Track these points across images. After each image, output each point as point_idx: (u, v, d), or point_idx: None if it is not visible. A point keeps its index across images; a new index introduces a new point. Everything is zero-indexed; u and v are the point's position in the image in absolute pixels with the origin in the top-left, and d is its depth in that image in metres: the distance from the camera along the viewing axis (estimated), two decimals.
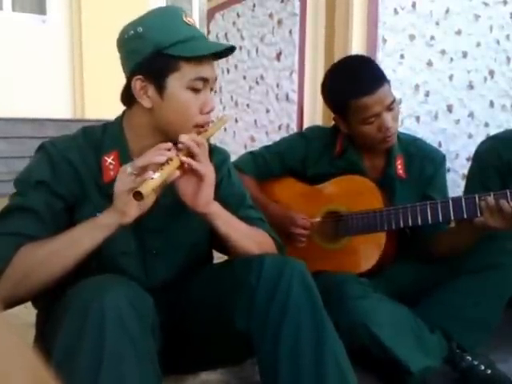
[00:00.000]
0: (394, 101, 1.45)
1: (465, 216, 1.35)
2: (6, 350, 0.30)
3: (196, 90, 1.07)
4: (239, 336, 1.03)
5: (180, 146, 1.03)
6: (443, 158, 1.62)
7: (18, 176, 1.11)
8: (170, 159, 0.99)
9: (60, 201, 1.08)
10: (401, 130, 1.58)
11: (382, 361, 1.32)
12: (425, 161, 1.56)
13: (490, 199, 1.30)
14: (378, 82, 1.43)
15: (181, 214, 1.12)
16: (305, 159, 1.63)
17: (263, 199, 1.57)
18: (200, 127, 1.10)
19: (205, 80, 1.07)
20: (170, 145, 1.02)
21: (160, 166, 0.97)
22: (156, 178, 0.93)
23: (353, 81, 1.46)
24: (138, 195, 0.91)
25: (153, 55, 1.04)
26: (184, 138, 1.02)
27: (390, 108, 1.44)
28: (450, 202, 1.37)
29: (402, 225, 1.43)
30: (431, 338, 1.37)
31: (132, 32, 1.05)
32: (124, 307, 0.87)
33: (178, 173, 1.01)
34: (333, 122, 1.64)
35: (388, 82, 1.47)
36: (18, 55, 5.12)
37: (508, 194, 1.30)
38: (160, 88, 1.05)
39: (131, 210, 0.97)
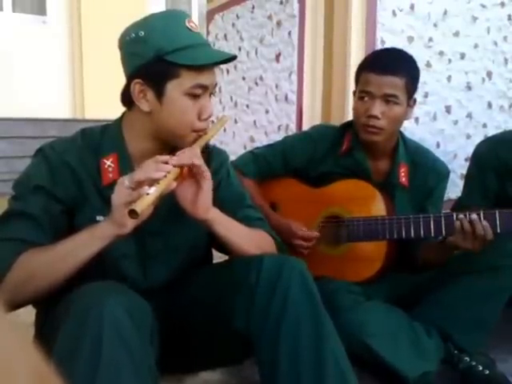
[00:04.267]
0: (393, 96, 1.43)
1: (443, 233, 1.38)
2: (9, 347, 0.31)
3: (195, 96, 1.06)
4: (239, 336, 1.04)
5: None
6: (448, 172, 1.60)
7: (16, 179, 1.11)
8: (168, 172, 0.99)
9: (59, 204, 1.09)
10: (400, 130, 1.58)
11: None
12: (430, 172, 1.55)
13: (465, 221, 1.32)
14: (392, 70, 1.42)
15: (180, 217, 1.12)
16: (310, 160, 1.61)
17: (263, 207, 1.54)
18: (198, 132, 1.10)
19: (204, 87, 1.07)
20: (167, 157, 1.01)
21: (157, 179, 0.97)
22: (151, 194, 0.93)
23: (375, 57, 1.52)
24: (132, 213, 0.91)
25: (153, 60, 1.03)
26: (175, 161, 1.01)
27: (385, 99, 1.43)
28: (442, 218, 1.38)
29: (404, 235, 1.42)
30: (428, 342, 1.37)
31: (133, 35, 1.05)
32: (122, 318, 0.86)
33: (174, 184, 1.01)
34: (332, 122, 1.64)
35: (403, 78, 1.43)
36: (19, 55, 5.11)
37: (497, 214, 1.31)
38: (159, 93, 1.05)
39: (128, 222, 0.97)
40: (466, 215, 1.33)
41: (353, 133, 1.56)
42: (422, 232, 1.39)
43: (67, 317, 0.88)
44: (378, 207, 1.50)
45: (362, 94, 1.46)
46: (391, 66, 1.43)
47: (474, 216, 1.32)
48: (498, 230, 1.31)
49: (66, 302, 0.92)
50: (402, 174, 1.54)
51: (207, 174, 1.06)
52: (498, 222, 1.31)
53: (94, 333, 0.84)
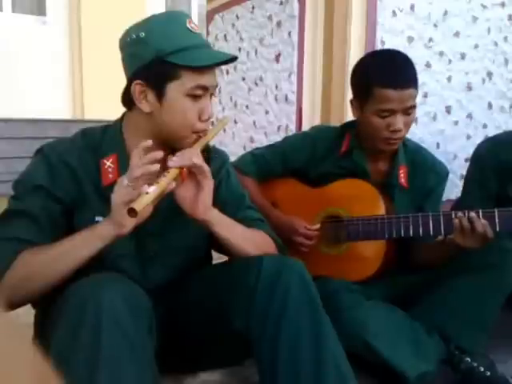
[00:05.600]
0: (413, 107, 1.42)
1: (442, 232, 1.37)
2: (9, 348, 0.31)
3: (195, 97, 1.06)
4: (238, 336, 1.04)
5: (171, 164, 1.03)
6: (447, 173, 1.60)
7: (16, 179, 1.11)
8: (167, 171, 0.99)
9: (58, 205, 1.09)
10: None
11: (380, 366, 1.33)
12: (429, 173, 1.55)
13: (464, 219, 1.31)
14: (408, 82, 1.40)
15: (179, 217, 1.12)
16: (309, 160, 1.61)
17: (264, 204, 1.54)
18: (198, 133, 1.10)
19: (205, 88, 1.07)
20: (161, 153, 0.99)
21: (156, 177, 0.97)
22: (151, 193, 0.93)
23: (388, 69, 1.43)
24: (132, 212, 0.91)
25: (153, 62, 1.03)
26: (175, 163, 1.02)
27: (407, 112, 1.42)
28: (439, 216, 1.38)
29: (403, 234, 1.42)
30: (428, 342, 1.37)
31: (134, 36, 1.05)
32: (121, 307, 0.87)
33: (173, 184, 1.01)
34: (332, 123, 1.63)
35: (416, 87, 1.43)
36: (18, 56, 5.12)
37: (496, 213, 1.31)
38: (159, 94, 1.05)
39: (128, 222, 0.97)
40: (464, 213, 1.33)
41: (352, 134, 1.56)
42: (420, 231, 1.39)
43: (65, 309, 0.88)
44: (378, 207, 1.50)
45: (382, 112, 1.42)
46: (407, 79, 1.41)
47: (473, 214, 1.32)
48: (498, 229, 1.31)
49: (63, 296, 0.92)
50: (402, 175, 1.54)
51: (208, 173, 1.06)
52: (497, 221, 1.31)
53: (92, 323, 0.84)
